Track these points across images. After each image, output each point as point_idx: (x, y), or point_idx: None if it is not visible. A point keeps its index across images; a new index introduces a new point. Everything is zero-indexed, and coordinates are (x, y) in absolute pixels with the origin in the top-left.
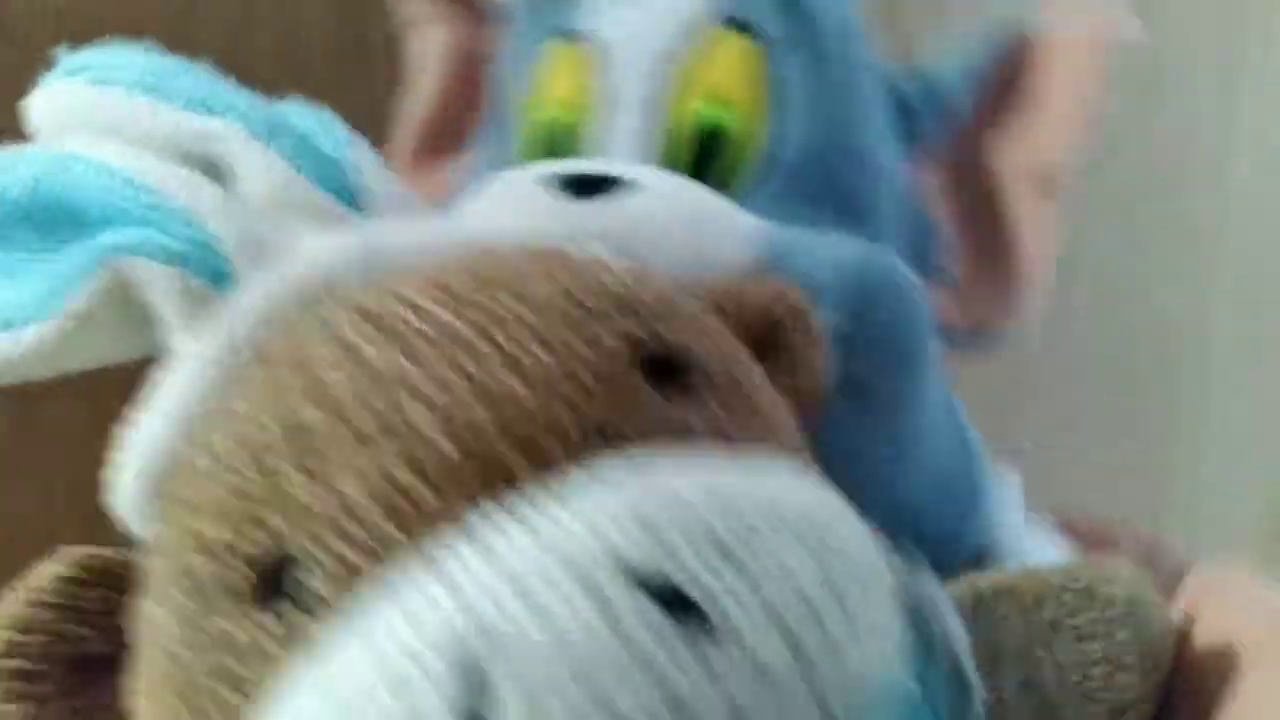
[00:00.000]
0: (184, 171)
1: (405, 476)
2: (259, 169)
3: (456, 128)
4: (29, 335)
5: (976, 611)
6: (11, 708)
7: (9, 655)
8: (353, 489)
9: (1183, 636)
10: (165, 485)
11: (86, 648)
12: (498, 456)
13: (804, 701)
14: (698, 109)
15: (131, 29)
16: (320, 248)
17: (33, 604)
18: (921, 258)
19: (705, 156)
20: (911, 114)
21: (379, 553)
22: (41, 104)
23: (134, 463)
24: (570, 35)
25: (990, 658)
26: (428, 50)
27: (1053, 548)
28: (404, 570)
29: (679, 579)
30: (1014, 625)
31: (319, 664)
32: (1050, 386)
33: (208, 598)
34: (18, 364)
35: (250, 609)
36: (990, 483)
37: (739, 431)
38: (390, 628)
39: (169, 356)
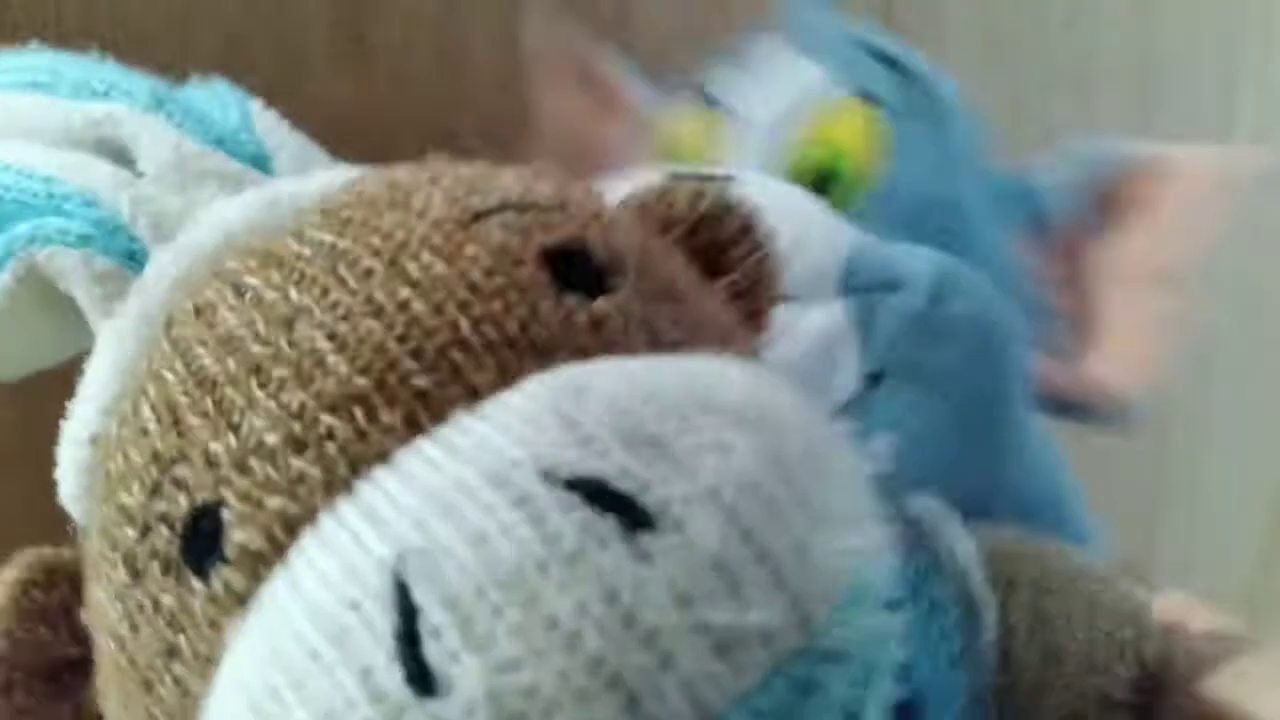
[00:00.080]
0: (76, 155)
1: (310, 407)
2: (155, 142)
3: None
4: None
5: (993, 549)
6: None
7: None
8: (258, 428)
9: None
10: (94, 467)
11: (57, 651)
12: (405, 374)
13: (762, 589)
14: (815, 154)
15: (131, 30)
16: (223, 209)
17: None
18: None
19: (818, 192)
20: (1019, 206)
21: (295, 491)
22: None
23: (69, 454)
24: (709, 101)
25: (1005, 589)
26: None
27: None
28: (326, 507)
29: (606, 473)
30: (1030, 565)
31: (255, 623)
32: None
33: (138, 570)
34: None
35: (179, 573)
36: (1086, 532)
37: (667, 327)
38: (320, 574)
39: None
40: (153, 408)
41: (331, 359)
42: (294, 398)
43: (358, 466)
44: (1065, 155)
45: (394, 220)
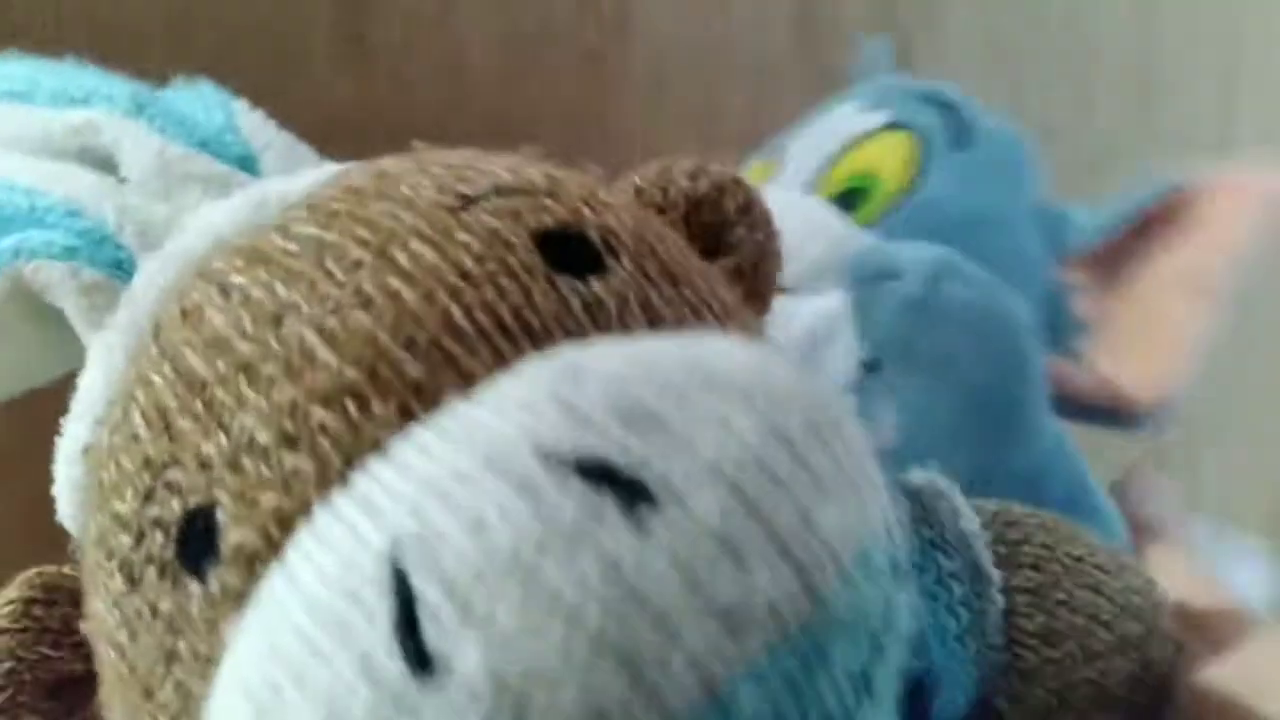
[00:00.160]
0: (58, 165)
1: (301, 402)
2: (137, 148)
3: None
4: None
5: (997, 517)
6: None
7: None
8: (249, 426)
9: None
10: (88, 478)
11: (60, 668)
12: (397, 365)
13: (766, 559)
14: (847, 173)
15: (131, 31)
16: (210, 213)
17: None
18: (1053, 330)
19: (845, 208)
20: (1058, 231)
21: (288, 487)
22: None
23: (65, 471)
24: (770, 152)
25: (1008, 563)
26: None
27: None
28: (321, 501)
29: (605, 451)
30: (1036, 539)
31: (254, 620)
32: None
33: (134, 577)
34: None
35: (176, 577)
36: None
37: (666, 307)
38: (317, 567)
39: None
40: (143, 413)
41: (321, 353)
42: (284, 394)
43: (352, 459)
44: (1119, 192)
45: (381, 210)
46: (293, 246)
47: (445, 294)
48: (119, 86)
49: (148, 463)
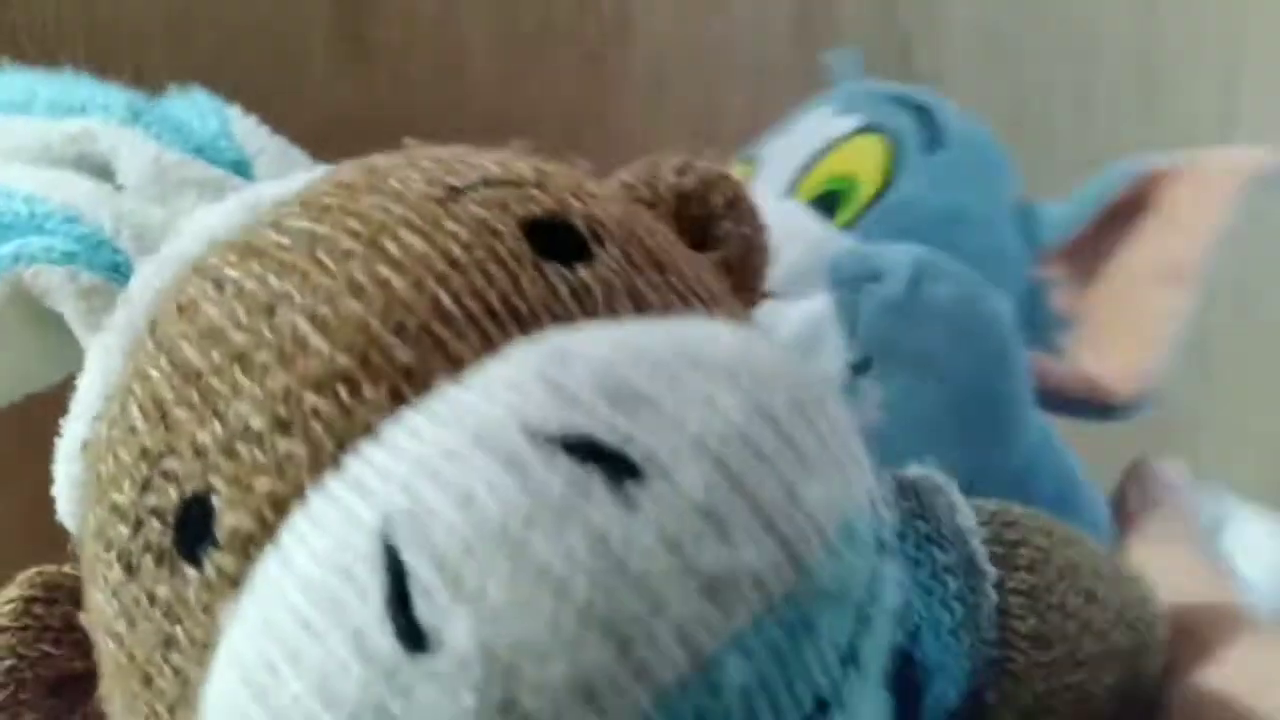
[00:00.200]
0: (56, 173)
1: (294, 388)
2: (134, 154)
3: None
4: None
5: (995, 516)
6: None
7: None
8: (243, 413)
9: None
10: (86, 473)
11: (61, 666)
12: (387, 351)
13: (750, 532)
14: (825, 176)
15: (131, 32)
16: (205, 216)
17: None
18: (1032, 326)
19: (825, 211)
20: (1031, 228)
21: (282, 471)
22: None
23: (65, 469)
24: (747, 159)
25: (1004, 559)
26: None
27: None
28: (315, 484)
29: (592, 429)
30: (1034, 540)
31: (249, 603)
32: None
33: (132, 566)
34: None
35: (173, 564)
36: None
37: (653, 294)
38: (310, 548)
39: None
40: (139, 406)
41: (313, 340)
42: (277, 381)
43: (344, 443)
44: (1084, 186)
45: (371, 203)
46: (285, 240)
47: (434, 281)
48: (115, 95)
49: (145, 453)
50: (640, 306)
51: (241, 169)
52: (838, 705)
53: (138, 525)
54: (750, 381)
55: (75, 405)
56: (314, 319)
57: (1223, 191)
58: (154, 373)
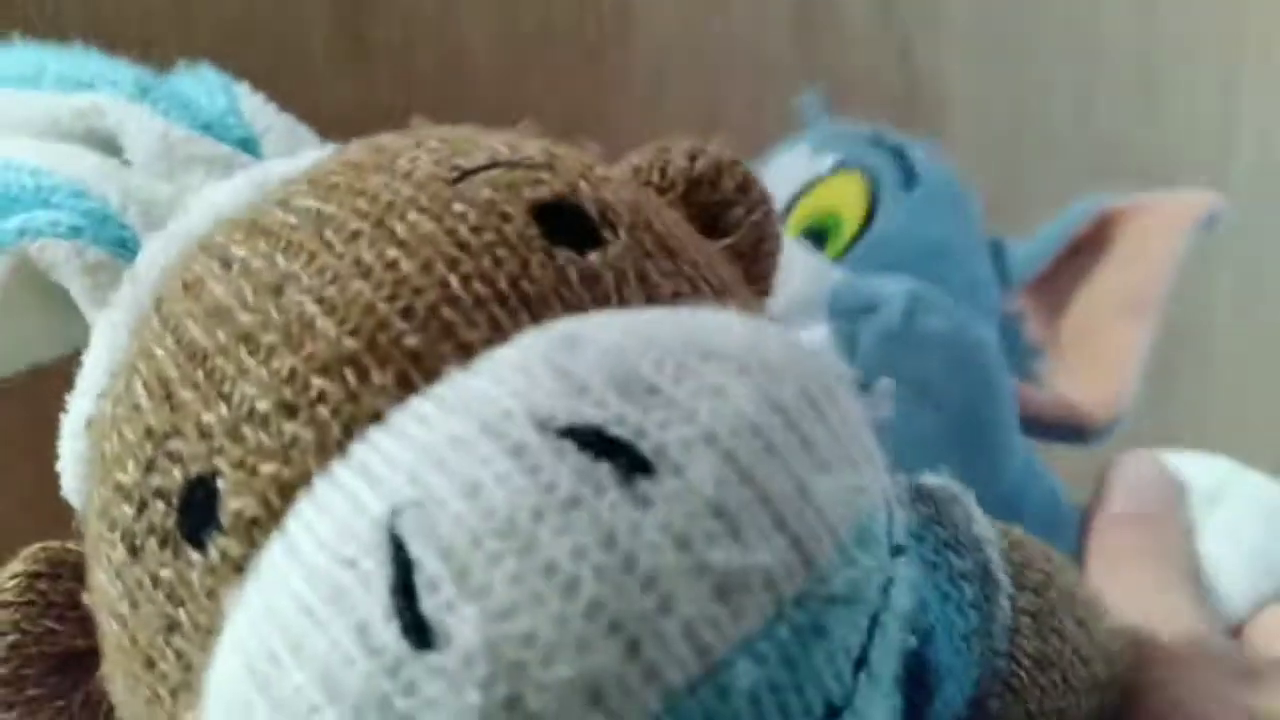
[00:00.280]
0: (63, 147)
1: (301, 371)
2: (142, 130)
3: None
4: None
5: (1003, 536)
6: (2, 716)
7: None
8: (249, 395)
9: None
10: (91, 451)
11: (64, 642)
12: (395, 334)
13: (762, 530)
14: (810, 213)
15: (131, 30)
16: (213, 193)
17: None
18: (1010, 355)
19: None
20: (1000, 262)
21: (288, 455)
22: None
23: (69, 446)
24: None
25: (1014, 578)
26: None
27: None
28: (320, 470)
29: (602, 420)
30: (1038, 563)
31: (253, 590)
32: None
33: (136, 547)
34: None
35: (177, 546)
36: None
37: (664, 280)
38: (315, 535)
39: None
40: (145, 384)
41: (321, 322)
42: (284, 363)
43: (351, 428)
44: (1049, 223)
45: (379, 182)
46: (292, 219)
47: (443, 264)
48: (124, 71)
49: (149, 433)
50: (651, 293)
51: (249, 146)
52: (849, 711)
53: (142, 506)
54: (760, 372)
55: (81, 381)
56: (321, 300)
57: (1177, 227)
58: (159, 351)
